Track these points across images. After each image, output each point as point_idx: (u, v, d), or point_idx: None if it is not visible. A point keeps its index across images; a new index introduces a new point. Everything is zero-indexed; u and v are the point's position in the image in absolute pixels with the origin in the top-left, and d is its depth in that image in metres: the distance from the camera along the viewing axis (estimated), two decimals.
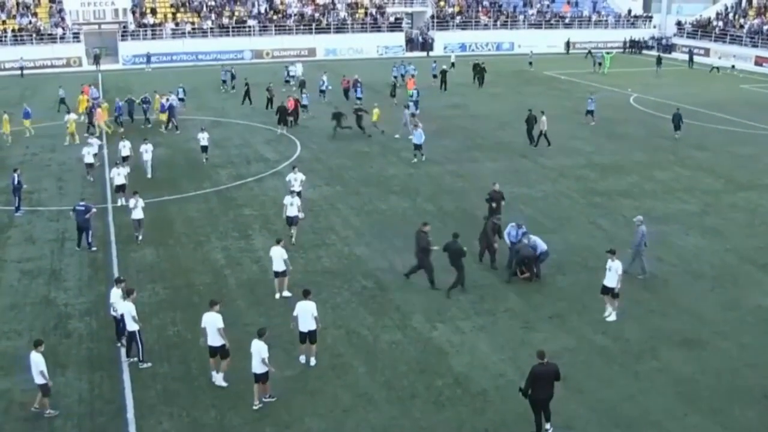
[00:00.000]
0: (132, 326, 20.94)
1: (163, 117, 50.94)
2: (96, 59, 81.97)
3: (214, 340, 20.01)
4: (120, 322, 21.66)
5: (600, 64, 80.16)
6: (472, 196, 36.04)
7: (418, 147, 42.04)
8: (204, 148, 42.25)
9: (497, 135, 48.73)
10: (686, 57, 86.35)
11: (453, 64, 77.29)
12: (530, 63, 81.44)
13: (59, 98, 56.80)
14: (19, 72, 77.88)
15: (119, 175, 34.54)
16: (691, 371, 20.99)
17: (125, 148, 39.84)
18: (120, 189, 34.61)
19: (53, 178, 39.64)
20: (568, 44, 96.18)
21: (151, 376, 20.62)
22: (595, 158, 43.32)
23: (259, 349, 19.05)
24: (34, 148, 45.79)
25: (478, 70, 69.22)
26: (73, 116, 47.98)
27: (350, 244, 30.37)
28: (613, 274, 23.65)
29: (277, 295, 25.41)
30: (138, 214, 30.09)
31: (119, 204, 34.58)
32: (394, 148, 45.13)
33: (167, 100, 51.76)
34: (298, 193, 31.73)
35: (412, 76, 62.39)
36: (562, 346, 22.25)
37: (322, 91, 60.76)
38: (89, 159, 38.98)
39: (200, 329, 20.25)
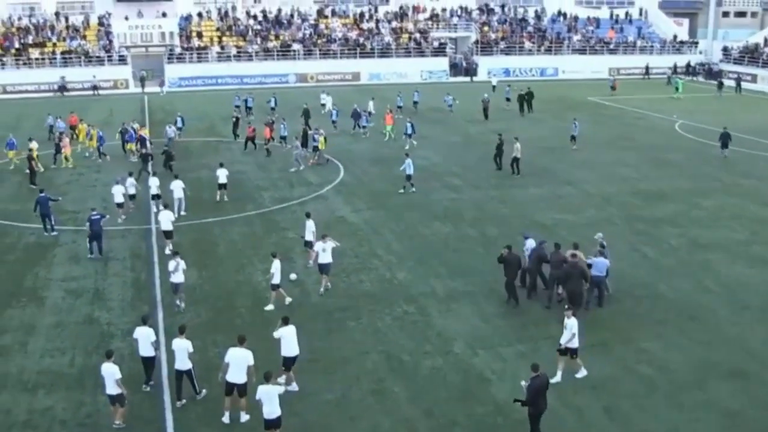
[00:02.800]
0: (187, 364, 20.34)
1: (131, 146, 49.50)
2: (142, 81, 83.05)
3: (239, 376, 19.40)
4: (150, 360, 21.18)
5: (677, 89, 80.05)
6: (515, 223, 35.88)
7: (408, 177, 40.96)
8: (222, 186, 39.36)
9: (540, 161, 48.47)
10: (733, 83, 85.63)
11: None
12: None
13: (48, 125, 55.78)
14: (92, 91, 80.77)
15: (165, 220, 31.82)
16: (738, 404, 20.58)
17: (154, 186, 37.37)
18: (167, 235, 31.96)
19: (98, 198, 40.03)
20: (647, 69, 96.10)
21: (192, 398, 20.64)
22: (639, 185, 42.92)
23: (185, 346, 19.97)
24: (81, 168, 46.36)
25: (525, 97, 68.20)
26: (35, 144, 45.79)
27: (392, 268, 30.30)
28: (568, 333, 21.56)
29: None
30: (178, 277, 26.31)
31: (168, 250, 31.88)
32: (436, 173, 45.07)
33: (126, 130, 50.41)
34: (308, 243, 30.32)
35: (390, 111, 57.82)
36: (605, 375, 21.98)
37: (333, 121, 58.31)
38: (119, 198, 36.23)
39: (223, 365, 19.65)
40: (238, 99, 66.90)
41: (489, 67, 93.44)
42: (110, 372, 18.87)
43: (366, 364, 22.62)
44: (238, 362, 19.34)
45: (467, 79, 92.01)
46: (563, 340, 21.62)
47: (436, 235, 34.15)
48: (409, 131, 52.41)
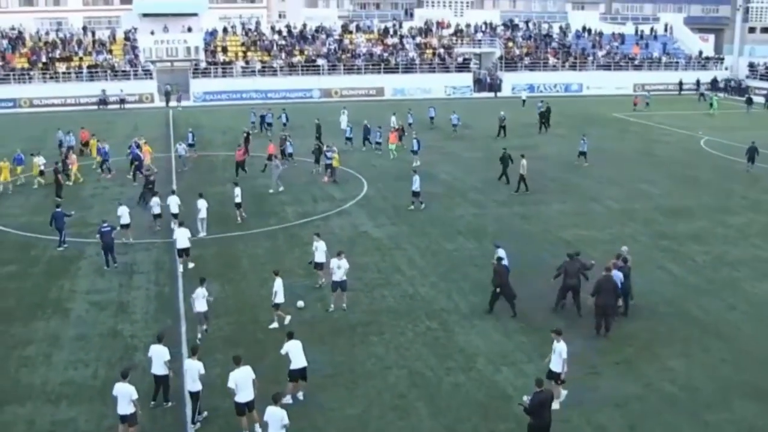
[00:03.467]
0: (197, 386, 20.12)
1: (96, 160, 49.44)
2: (167, 96, 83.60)
3: (248, 395, 19.35)
4: (161, 381, 20.91)
5: (711, 105, 79.73)
6: (539, 239, 35.78)
7: (415, 194, 40.65)
8: (237, 205, 38.72)
9: (564, 177, 48.32)
10: (762, 99, 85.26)
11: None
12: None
13: (58, 141, 55.38)
14: (118, 105, 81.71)
15: (181, 237, 31.51)
16: (764, 423, 20.36)
17: (174, 204, 36.62)
18: (182, 253, 31.70)
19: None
20: (681, 85, 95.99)
21: (214, 410, 20.65)
22: (664, 202, 42.67)
23: (196, 367, 19.82)
24: (105, 181, 46.61)
25: (545, 115, 67.61)
26: (39, 159, 46.53)
27: (415, 284, 30.25)
28: (557, 357, 21.02)
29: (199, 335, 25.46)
30: (202, 305, 25.25)
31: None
32: (460, 189, 45.02)
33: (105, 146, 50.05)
34: (318, 265, 29.72)
35: (395, 129, 57.33)
36: (629, 393, 21.81)
37: (348, 138, 57.25)
38: (157, 210, 36.71)
39: (230, 390, 19.36)
40: (253, 115, 66.72)
41: (513, 82, 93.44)
42: (126, 392, 18.72)
43: (388, 379, 22.57)
44: (245, 382, 19.31)
45: (491, 94, 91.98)
46: (556, 368, 21.00)
47: (459, 250, 34.08)
48: (415, 148, 51.81)
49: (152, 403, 20.82)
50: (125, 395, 18.73)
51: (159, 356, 20.66)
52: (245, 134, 54.87)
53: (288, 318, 26.21)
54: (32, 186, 45.85)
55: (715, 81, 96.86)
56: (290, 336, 21.33)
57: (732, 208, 41.66)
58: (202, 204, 35.74)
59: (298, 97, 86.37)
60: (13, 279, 30.67)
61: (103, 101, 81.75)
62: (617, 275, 26.22)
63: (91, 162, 51.00)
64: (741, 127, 69.35)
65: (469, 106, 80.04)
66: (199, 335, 25.22)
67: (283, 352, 21.01)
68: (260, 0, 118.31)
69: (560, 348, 20.91)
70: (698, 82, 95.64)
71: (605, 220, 39.08)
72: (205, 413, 20.42)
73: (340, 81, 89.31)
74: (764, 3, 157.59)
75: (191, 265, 31.09)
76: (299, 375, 21.09)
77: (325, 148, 48.14)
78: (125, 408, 18.79)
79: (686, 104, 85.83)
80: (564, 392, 21.31)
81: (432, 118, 67.97)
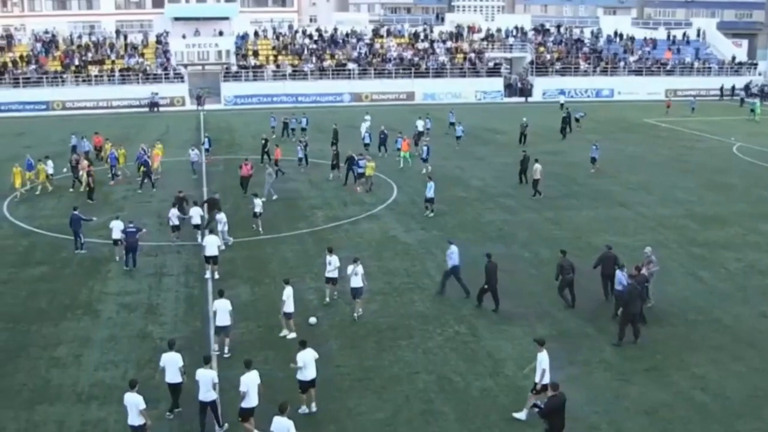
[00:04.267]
0: (212, 395, 19.85)
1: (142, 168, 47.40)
2: (198, 99, 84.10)
3: (254, 400, 19.25)
4: (176, 388, 20.70)
5: (752, 111, 79.20)
6: (569, 245, 35.57)
7: (429, 200, 40.26)
8: (256, 215, 37.55)
9: (595, 182, 48.08)
10: None
11: (562, 106, 78.39)
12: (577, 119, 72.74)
13: (71, 146, 54.90)
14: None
15: (211, 245, 31.07)
16: None
17: (197, 215, 36.19)
18: (210, 260, 31.09)
19: (153, 214, 40.47)
20: (722, 90, 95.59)
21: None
22: (695, 208, 42.34)
23: (210, 376, 19.60)
24: (137, 184, 46.89)
25: (567, 119, 67.03)
26: (48, 164, 45.99)
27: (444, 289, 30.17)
28: (537, 367, 20.65)
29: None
30: (224, 319, 24.22)
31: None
32: (491, 194, 44.93)
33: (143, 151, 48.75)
34: (332, 280, 28.70)
35: (405, 137, 54.55)
36: (658, 401, 21.64)
37: (366, 145, 56.18)
38: (116, 234, 33.32)
39: (241, 393, 19.19)
40: (274, 120, 66.35)
41: (544, 87, 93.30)
42: (134, 402, 18.42)
43: (416, 384, 22.55)
44: (253, 386, 19.19)
45: (522, 99, 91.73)
46: (537, 378, 20.55)
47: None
48: (425, 155, 50.76)
49: (169, 414, 20.64)
50: (133, 405, 18.38)
51: (173, 364, 20.37)
52: (263, 141, 54.38)
53: (293, 335, 25.42)
54: (35, 192, 45.23)
55: (747, 87, 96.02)
56: (303, 345, 20.86)
57: (765, 214, 41.22)
58: (219, 217, 34.86)
59: (329, 101, 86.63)
60: (45, 280, 30.95)
61: (154, 104, 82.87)
62: (620, 278, 26.43)
63: (106, 168, 50.10)
64: None
65: (500, 111, 79.88)
66: (218, 348, 24.50)
67: (299, 365, 20.53)
68: (291, 4, 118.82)
69: (540, 358, 20.58)
70: (733, 88, 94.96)
71: (636, 227, 38.82)
72: (226, 426, 20.19)
73: (371, 85, 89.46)
74: None
75: (217, 275, 30.93)
76: (310, 385, 20.85)
77: (357, 158, 46.59)
78: (135, 419, 18.45)
79: (722, 110, 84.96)
80: (529, 406, 20.57)
81: (452, 123, 66.30)
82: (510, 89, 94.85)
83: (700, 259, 33.94)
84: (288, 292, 25.46)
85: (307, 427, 20.06)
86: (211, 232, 32.13)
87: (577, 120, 69.88)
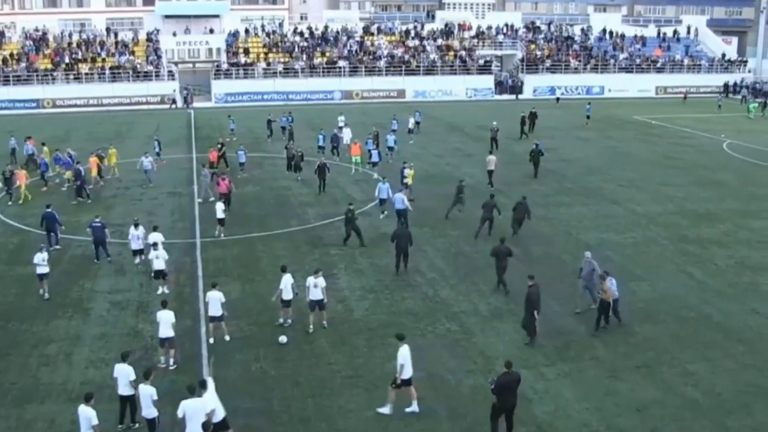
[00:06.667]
0: (153, 412, 18.85)
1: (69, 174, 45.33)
2: (184, 99, 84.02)
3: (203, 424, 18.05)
4: (127, 401, 19.89)
5: (748, 109, 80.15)
6: (560, 241, 35.67)
7: (382, 202, 39.70)
8: (220, 221, 36.39)
9: (586, 179, 48.15)
10: None
11: (558, 100, 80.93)
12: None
13: (11, 148, 52.75)
14: (168, 105, 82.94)
15: (158, 259, 29.69)
16: None
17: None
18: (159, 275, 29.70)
19: (144, 212, 40.37)
20: (726, 87, 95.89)
21: (233, 411, 20.60)
22: (686, 205, 42.42)
23: (149, 393, 18.64)
24: (127, 182, 46.75)
25: (528, 119, 65.74)
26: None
27: (435, 286, 30.19)
28: (397, 362, 20.54)
29: (211, 340, 25.04)
30: (166, 331, 23.28)
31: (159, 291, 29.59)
32: (482, 191, 44.86)
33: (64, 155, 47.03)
34: (286, 303, 26.56)
35: (356, 141, 52.42)
36: (649, 397, 21.67)
37: (320, 147, 54.46)
38: (42, 269, 29.25)
39: (211, 412, 18.11)
40: (233, 122, 64.28)
41: (535, 85, 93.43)
42: (87, 416, 17.75)
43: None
44: (197, 414, 17.86)
45: (513, 96, 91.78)
46: (406, 374, 20.49)
47: (480, 252, 33.88)
48: (375, 159, 49.38)
49: (120, 426, 20.00)
50: (85, 420, 17.85)
51: (124, 376, 19.71)
52: (220, 145, 51.51)
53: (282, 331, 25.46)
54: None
55: (734, 85, 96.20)
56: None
57: (755, 211, 41.36)
58: (218, 206, 35.16)
59: (320, 99, 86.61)
60: (35, 278, 30.82)
61: (174, 100, 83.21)
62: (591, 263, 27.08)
63: (54, 174, 47.99)
64: (764, 130, 68.91)
65: (491, 108, 79.88)
66: (165, 359, 23.66)
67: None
68: (282, 2, 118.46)
69: (400, 353, 20.49)
70: (725, 85, 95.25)
71: (627, 224, 38.88)
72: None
73: (362, 83, 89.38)
74: None
75: (166, 290, 29.44)
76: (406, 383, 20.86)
77: (403, 165, 43.95)
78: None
79: (714, 107, 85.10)
80: (415, 405, 20.82)
81: (418, 123, 65.57)
82: (501, 86, 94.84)
83: (691, 256, 34.00)
84: (286, 280, 25.59)
85: (299, 425, 20.06)
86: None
87: (588, 117, 71.29)
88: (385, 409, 20.71)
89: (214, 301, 24.77)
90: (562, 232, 37.12)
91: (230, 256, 33.60)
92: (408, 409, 20.76)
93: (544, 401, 21.46)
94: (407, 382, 20.58)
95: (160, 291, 29.03)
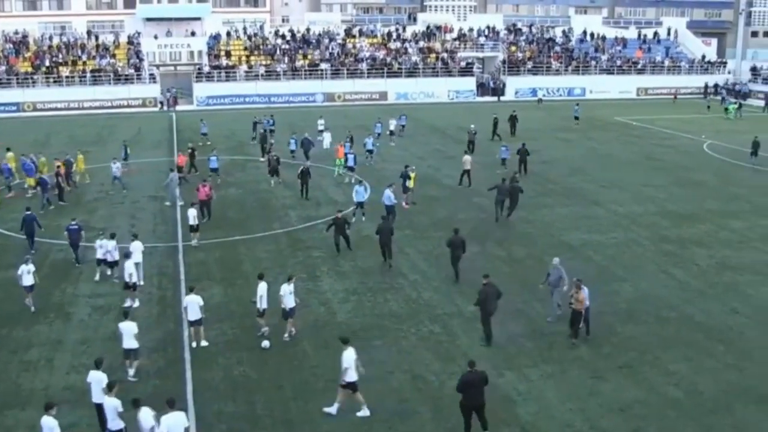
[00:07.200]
0: (118, 424, 18.44)
1: (31, 181, 44.95)
2: (166, 101, 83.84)
3: None
4: (102, 409, 19.18)
5: (726, 110, 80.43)
6: (542, 243, 35.75)
7: (359, 205, 39.73)
8: (192, 227, 35.21)
9: (568, 181, 48.30)
10: (762, 103, 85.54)
11: (540, 101, 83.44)
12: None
13: None
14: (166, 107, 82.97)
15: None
16: None
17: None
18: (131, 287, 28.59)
19: (126, 216, 40.28)
20: (706, 88, 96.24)
21: (216, 415, 20.65)
22: (667, 206, 42.62)
23: (113, 405, 18.27)
24: (108, 186, 46.50)
25: (511, 120, 65.81)
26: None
27: (418, 288, 30.20)
28: (342, 365, 20.54)
29: (194, 344, 24.87)
30: (130, 343, 22.80)
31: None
32: (464, 193, 45.00)
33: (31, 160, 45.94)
34: (261, 312, 25.95)
35: (341, 144, 51.07)
36: (632, 397, 21.75)
37: (292, 151, 54.16)
38: (27, 281, 28.13)
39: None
40: (204, 126, 62.85)
41: (516, 86, 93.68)
42: (49, 426, 17.51)
43: (391, 383, 22.53)
44: (177, 428, 17.59)
45: (494, 98, 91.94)
46: (351, 377, 20.48)
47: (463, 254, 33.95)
48: (351, 163, 48.14)
49: None
50: (49, 429, 17.58)
51: (97, 383, 19.40)
52: (190, 150, 50.50)
53: (266, 330, 25.48)
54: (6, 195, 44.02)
55: (716, 87, 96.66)
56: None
57: (735, 211, 41.60)
58: (135, 246, 30.44)
59: (302, 101, 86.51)
60: (16, 283, 30.58)
61: (162, 102, 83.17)
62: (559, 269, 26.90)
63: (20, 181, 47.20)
64: (744, 130, 69.12)
65: (472, 110, 79.99)
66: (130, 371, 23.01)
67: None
68: (263, 4, 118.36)
69: (344, 356, 20.45)
70: (706, 86, 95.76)
71: (609, 224, 39.02)
72: None
73: (344, 85, 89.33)
74: (767, 7, 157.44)
75: (136, 304, 28.70)
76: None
77: (405, 169, 43.30)
78: None
79: (695, 108, 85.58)
80: (366, 409, 20.84)
81: (403, 126, 65.46)
82: (482, 88, 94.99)
83: (672, 256, 34.16)
84: (263, 288, 25.39)
85: (282, 428, 20.03)
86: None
87: (576, 118, 71.98)
88: (332, 409, 20.71)
89: (193, 305, 24.59)
90: (544, 233, 37.22)
91: (212, 259, 33.51)
92: (359, 414, 20.72)
93: (527, 402, 21.51)
94: (353, 387, 20.53)
95: (128, 303, 27.75)
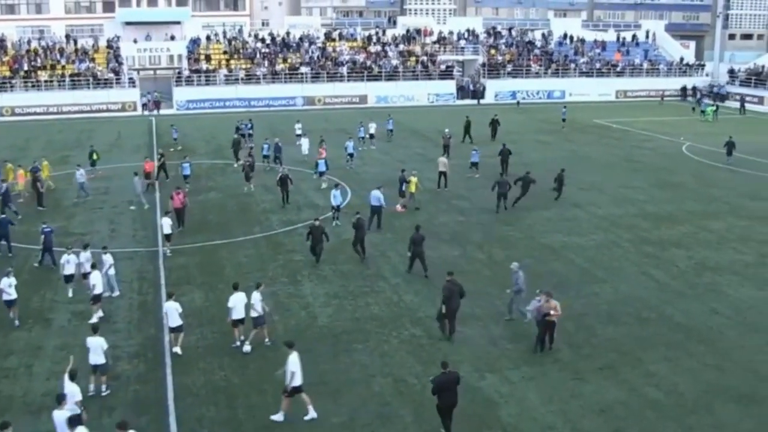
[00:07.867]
0: None
1: None
2: (155, 104, 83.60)
3: None
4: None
5: (703, 112, 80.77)
6: (523, 245, 35.84)
7: (335, 209, 39.41)
8: (166, 237, 34.83)
9: (548, 183, 48.33)
10: (738, 105, 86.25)
11: (518, 104, 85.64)
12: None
13: None
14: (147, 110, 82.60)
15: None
16: (748, 428, 20.45)
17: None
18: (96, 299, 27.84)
19: (105, 220, 40.09)
20: (684, 90, 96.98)
21: (198, 420, 20.59)
22: (647, 207, 42.84)
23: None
24: (75, 193, 45.94)
25: (492, 124, 65.59)
26: None
27: (399, 291, 30.22)
28: (287, 369, 20.38)
29: (176, 349, 24.69)
30: (97, 358, 22.30)
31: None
32: (444, 196, 45.05)
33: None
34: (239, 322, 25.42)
35: (323, 147, 51.07)
36: (613, 398, 21.86)
37: (265, 156, 53.30)
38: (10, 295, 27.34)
39: None
40: (176, 131, 62.74)
41: (496, 89, 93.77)
42: (60, 420, 17.43)
43: (373, 387, 22.55)
44: None
45: (474, 101, 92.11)
46: (287, 380, 20.36)
47: (443, 257, 33.99)
48: (322, 168, 47.47)
49: None
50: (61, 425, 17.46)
51: (72, 396, 18.91)
52: (160, 155, 50.14)
53: (240, 343, 25.21)
54: None
55: (693, 89, 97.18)
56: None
57: (714, 213, 41.87)
58: (106, 260, 29.76)
59: (282, 105, 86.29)
60: None
61: (157, 103, 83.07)
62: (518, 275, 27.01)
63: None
64: (722, 132, 69.42)
65: (452, 113, 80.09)
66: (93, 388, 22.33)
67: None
68: (243, 8, 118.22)
69: (289, 360, 20.34)
70: (684, 89, 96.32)
71: (589, 226, 39.18)
72: None
73: (324, 89, 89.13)
74: (744, 10, 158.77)
75: (102, 316, 28.10)
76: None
77: (402, 173, 42.98)
78: None
79: (673, 110, 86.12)
80: (312, 411, 20.82)
81: (390, 130, 65.29)
82: (462, 91, 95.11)
83: (652, 258, 34.34)
84: (236, 299, 24.91)
85: None
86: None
87: (563, 120, 72.63)
88: (278, 417, 20.61)
89: (172, 311, 24.46)
90: (525, 236, 37.33)
91: (193, 263, 33.41)
92: (306, 417, 20.69)
93: (509, 404, 21.57)
94: (298, 390, 20.51)
95: (94, 319, 26.71)
